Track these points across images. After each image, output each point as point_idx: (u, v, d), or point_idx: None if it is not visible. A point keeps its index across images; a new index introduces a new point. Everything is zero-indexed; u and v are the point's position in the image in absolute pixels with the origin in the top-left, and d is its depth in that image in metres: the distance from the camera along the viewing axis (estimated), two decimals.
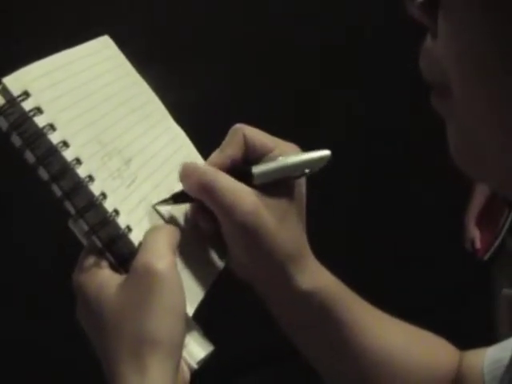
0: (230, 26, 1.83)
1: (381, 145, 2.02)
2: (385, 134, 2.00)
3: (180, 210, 0.58)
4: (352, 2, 1.91)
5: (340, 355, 0.61)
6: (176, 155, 0.62)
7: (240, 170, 0.56)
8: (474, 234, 1.75)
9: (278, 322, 0.61)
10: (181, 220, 0.58)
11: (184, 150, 0.64)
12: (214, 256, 0.59)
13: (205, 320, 0.56)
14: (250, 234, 0.54)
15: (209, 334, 0.55)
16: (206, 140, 0.64)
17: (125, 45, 0.64)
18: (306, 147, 0.58)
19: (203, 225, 0.57)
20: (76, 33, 0.63)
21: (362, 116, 2.01)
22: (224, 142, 0.58)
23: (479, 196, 1.73)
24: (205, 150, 0.64)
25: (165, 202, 0.56)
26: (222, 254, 0.59)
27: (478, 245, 1.75)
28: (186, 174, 0.55)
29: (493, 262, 1.74)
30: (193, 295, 0.54)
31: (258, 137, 0.57)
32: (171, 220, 0.57)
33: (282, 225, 0.56)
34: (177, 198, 0.56)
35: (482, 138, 0.36)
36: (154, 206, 0.56)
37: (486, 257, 1.74)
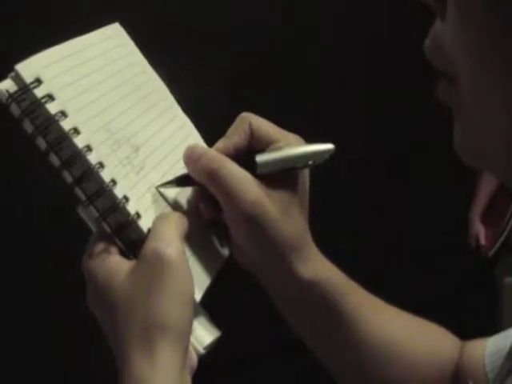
0: (232, 25, 1.83)
1: (383, 139, 2.02)
2: (387, 129, 2.00)
3: (184, 196, 0.58)
4: (356, 8, 1.91)
5: (342, 344, 0.61)
6: (183, 143, 0.63)
7: (244, 158, 0.56)
8: (479, 230, 1.75)
9: (280, 311, 0.61)
10: (184, 205, 0.58)
11: (191, 138, 0.65)
12: (218, 243, 0.60)
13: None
14: (253, 222, 0.55)
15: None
16: (208, 133, 0.65)
17: (135, 32, 0.65)
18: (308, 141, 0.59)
19: (204, 210, 0.58)
20: (87, 21, 0.64)
21: (363, 111, 2.01)
22: (230, 130, 0.58)
23: (484, 192, 1.72)
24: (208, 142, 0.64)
25: (168, 183, 0.57)
26: (225, 242, 0.60)
27: (483, 241, 1.75)
28: (192, 157, 0.56)
29: (497, 259, 1.74)
30: (200, 281, 0.55)
31: (264, 126, 0.58)
32: (175, 203, 0.57)
33: (285, 215, 0.56)
34: (180, 181, 0.57)
35: (492, 128, 0.36)
36: (157, 188, 0.57)
37: (491, 253, 1.74)
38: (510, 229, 1.71)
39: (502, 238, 1.72)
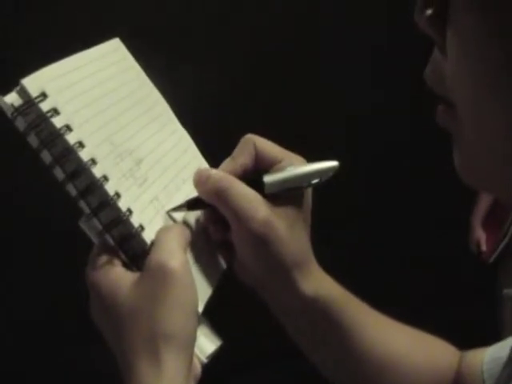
0: (236, 27, 1.84)
1: (384, 146, 2.03)
2: (388, 135, 2.01)
3: (192, 215, 0.60)
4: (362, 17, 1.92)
5: (343, 359, 0.62)
6: (183, 156, 0.64)
7: (252, 178, 0.57)
8: (480, 235, 1.75)
9: (282, 326, 0.62)
10: (192, 224, 0.59)
11: (190, 151, 0.66)
12: (219, 257, 0.61)
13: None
14: (262, 241, 0.56)
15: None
16: (206, 140, 0.65)
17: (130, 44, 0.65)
18: (306, 145, 0.60)
19: (213, 231, 0.59)
20: (86, 34, 0.65)
21: (364, 120, 2.02)
22: (235, 151, 0.59)
23: (485, 198, 1.72)
24: (208, 149, 0.65)
25: (179, 207, 0.58)
26: (226, 256, 0.61)
27: (484, 247, 1.75)
28: (201, 179, 0.57)
29: (498, 264, 1.74)
30: (202, 292, 0.55)
31: (268, 147, 0.59)
32: (183, 224, 0.58)
33: (291, 232, 0.57)
34: (191, 205, 0.58)
35: (491, 154, 0.36)
36: (168, 213, 0.58)
37: (492, 259, 1.73)
38: (511, 235, 1.71)
39: (502, 244, 1.72)
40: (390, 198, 2.05)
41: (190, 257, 0.56)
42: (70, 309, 1.42)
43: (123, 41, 0.65)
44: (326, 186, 0.60)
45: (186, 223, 0.59)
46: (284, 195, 0.58)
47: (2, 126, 0.56)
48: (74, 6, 1.67)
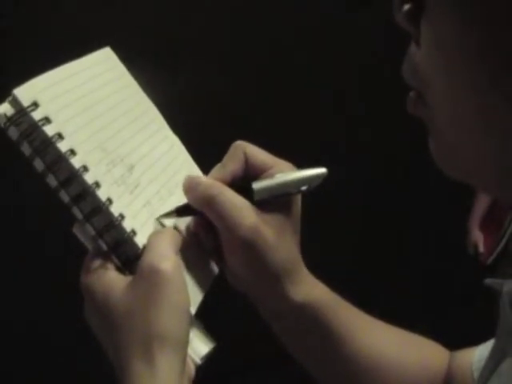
0: (233, 29, 1.85)
1: (381, 149, 2.03)
2: (385, 139, 2.02)
3: (183, 221, 0.60)
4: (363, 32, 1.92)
5: (333, 363, 0.63)
6: (174, 162, 0.65)
7: (241, 185, 0.58)
8: (478, 238, 1.75)
9: (272, 330, 0.63)
10: (182, 230, 0.60)
11: (181, 157, 0.67)
12: (211, 261, 0.62)
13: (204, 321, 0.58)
14: (250, 247, 0.57)
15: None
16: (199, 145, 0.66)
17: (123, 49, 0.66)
18: (301, 144, 0.61)
19: (204, 237, 0.59)
20: (77, 42, 0.66)
21: (361, 124, 2.03)
22: (225, 158, 0.60)
23: (483, 200, 1.72)
24: (198, 151, 0.66)
25: (169, 214, 0.59)
26: (217, 261, 0.61)
27: (481, 249, 1.75)
28: (190, 186, 0.58)
29: (496, 266, 1.74)
30: (194, 295, 0.56)
31: (258, 154, 0.60)
32: (174, 229, 0.59)
33: (279, 239, 0.58)
34: (180, 211, 0.59)
35: (463, 142, 0.38)
36: (158, 219, 0.59)
37: (489, 261, 1.74)
38: (509, 237, 1.71)
39: (500, 246, 1.72)
40: (387, 199, 2.06)
41: (181, 261, 0.56)
42: (69, 309, 1.43)
43: (119, 47, 0.66)
44: (323, 190, 0.61)
45: (176, 229, 0.60)
46: (273, 202, 0.58)
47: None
48: (70, 10, 1.69)
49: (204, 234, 0.59)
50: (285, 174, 0.59)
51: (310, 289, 0.61)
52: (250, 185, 0.58)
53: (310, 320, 0.61)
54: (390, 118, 1.98)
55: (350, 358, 0.62)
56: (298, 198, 0.61)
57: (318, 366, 0.64)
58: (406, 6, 0.39)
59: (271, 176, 0.59)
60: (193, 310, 0.55)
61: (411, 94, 0.41)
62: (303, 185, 0.59)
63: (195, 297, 0.57)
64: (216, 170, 0.60)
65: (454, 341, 0.68)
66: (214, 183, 0.57)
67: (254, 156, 0.60)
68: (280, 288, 0.59)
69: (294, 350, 0.64)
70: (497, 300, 1.70)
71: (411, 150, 2.01)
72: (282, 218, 0.59)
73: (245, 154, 0.60)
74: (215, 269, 0.62)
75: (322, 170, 0.59)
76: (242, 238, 0.56)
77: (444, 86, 0.37)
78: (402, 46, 0.43)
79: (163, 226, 0.59)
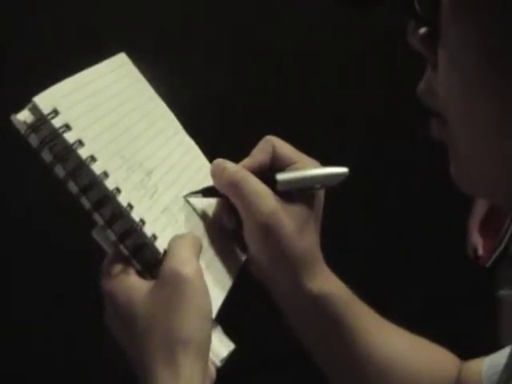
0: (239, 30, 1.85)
1: (381, 150, 2.04)
2: (386, 139, 2.02)
3: (209, 208, 0.63)
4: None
5: (345, 356, 0.64)
6: (191, 166, 0.66)
7: (266, 175, 0.61)
8: (477, 241, 1.75)
9: (290, 326, 0.64)
10: (209, 215, 0.63)
11: (198, 161, 0.68)
12: (234, 256, 0.63)
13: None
14: (268, 233, 0.59)
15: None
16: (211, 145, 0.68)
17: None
18: (307, 143, 0.63)
19: (226, 221, 0.62)
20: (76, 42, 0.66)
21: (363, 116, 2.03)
22: (255, 149, 0.63)
23: (482, 203, 1.73)
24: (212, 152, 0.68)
25: (195, 193, 0.62)
26: (242, 253, 0.63)
27: (481, 252, 1.75)
28: (217, 170, 0.60)
29: (495, 269, 1.74)
30: (214, 299, 0.57)
31: (286, 149, 0.63)
32: (201, 212, 0.62)
33: (300, 231, 0.60)
34: (206, 192, 0.62)
35: (482, 165, 0.39)
36: (184, 197, 0.61)
37: (489, 264, 1.74)
38: (508, 240, 1.72)
39: (499, 249, 1.72)
40: (388, 202, 2.06)
41: (204, 261, 0.58)
42: (81, 308, 1.43)
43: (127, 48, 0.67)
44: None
45: (204, 216, 0.62)
46: (296, 195, 0.61)
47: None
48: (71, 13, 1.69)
49: (227, 218, 0.62)
50: (308, 169, 0.61)
51: (325, 282, 0.62)
52: (275, 175, 0.60)
53: (323, 312, 0.62)
54: (391, 118, 1.99)
55: (359, 355, 0.63)
56: (322, 195, 0.63)
57: (330, 362, 0.65)
58: (422, 30, 0.39)
59: (295, 170, 0.61)
60: (214, 313, 0.56)
61: (433, 120, 0.41)
62: (324, 181, 0.62)
63: (216, 301, 0.58)
64: (245, 160, 0.62)
65: (454, 344, 0.68)
66: (239, 169, 0.60)
67: (281, 150, 0.62)
68: (296, 278, 0.61)
69: (306, 342, 0.65)
70: (494, 304, 1.68)
71: (413, 152, 2.03)
72: (303, 210, 0.61)
73: (273, 147, 0.62)
74: (242, 256, 0.64)
75: (343, 170, 0.62)
76: (261, 223, 0.58)
77: (462, 109, 0.38)
78: (402, 45, 0.43)
79: (190, 204, 0.61)
